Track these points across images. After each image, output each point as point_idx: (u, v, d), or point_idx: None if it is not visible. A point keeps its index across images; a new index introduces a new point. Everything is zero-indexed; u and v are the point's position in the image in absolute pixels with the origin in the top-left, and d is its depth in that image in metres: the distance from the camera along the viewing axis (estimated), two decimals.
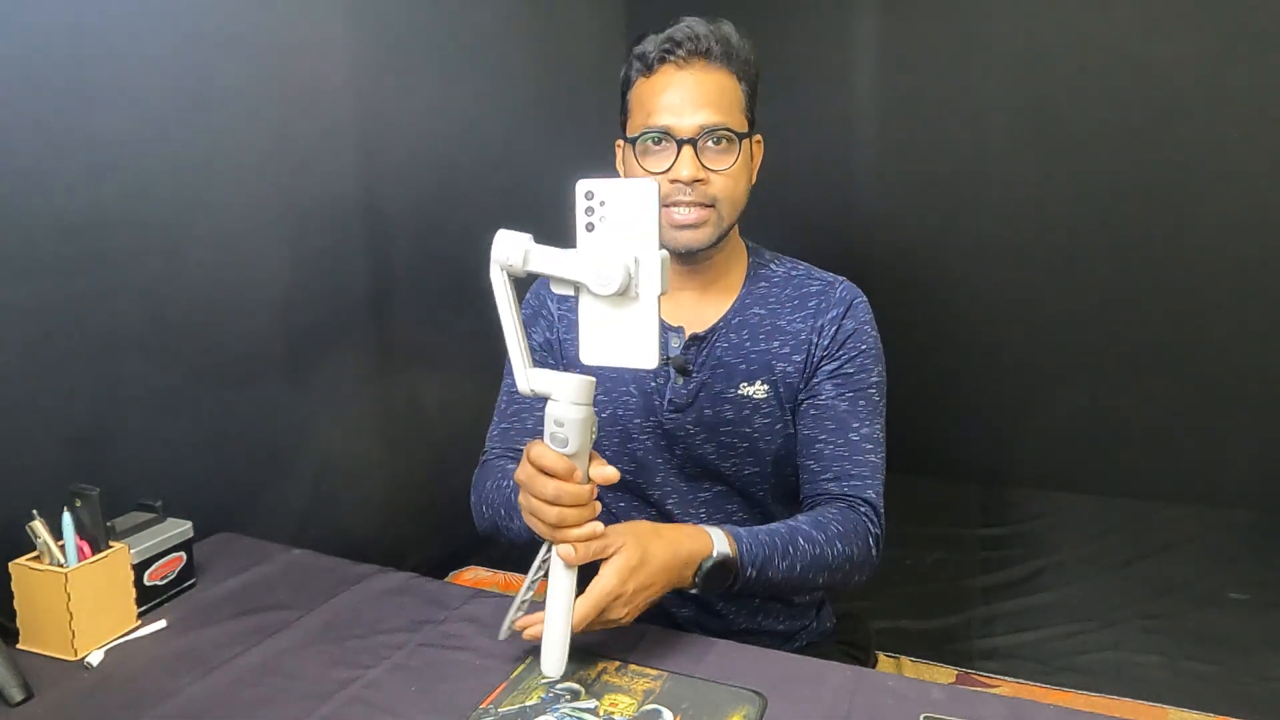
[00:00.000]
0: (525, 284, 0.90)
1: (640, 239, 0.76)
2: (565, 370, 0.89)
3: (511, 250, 0.79)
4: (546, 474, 0.80)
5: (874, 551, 1.03)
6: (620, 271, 0.74)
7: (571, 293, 0.79)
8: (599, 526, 0.83)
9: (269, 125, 1.46)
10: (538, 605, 0.86)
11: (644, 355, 0.78)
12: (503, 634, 0.90)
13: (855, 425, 1.06)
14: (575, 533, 0.82)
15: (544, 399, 0.80)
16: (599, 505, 0.83)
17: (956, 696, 0.84)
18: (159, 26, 1.26)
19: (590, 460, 0.83)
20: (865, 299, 1.12)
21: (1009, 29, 2.48)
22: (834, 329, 1.08)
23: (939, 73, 2.55)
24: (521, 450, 0.89)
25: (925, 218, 2.65)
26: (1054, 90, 2.45)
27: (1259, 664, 1.74)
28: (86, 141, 1.17)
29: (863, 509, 1.04)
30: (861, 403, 1.07)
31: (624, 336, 0.78)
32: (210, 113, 1.35)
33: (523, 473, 0.83)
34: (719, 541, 0.92)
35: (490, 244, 0.81)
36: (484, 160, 2.04)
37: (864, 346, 1.08)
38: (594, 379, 0.80)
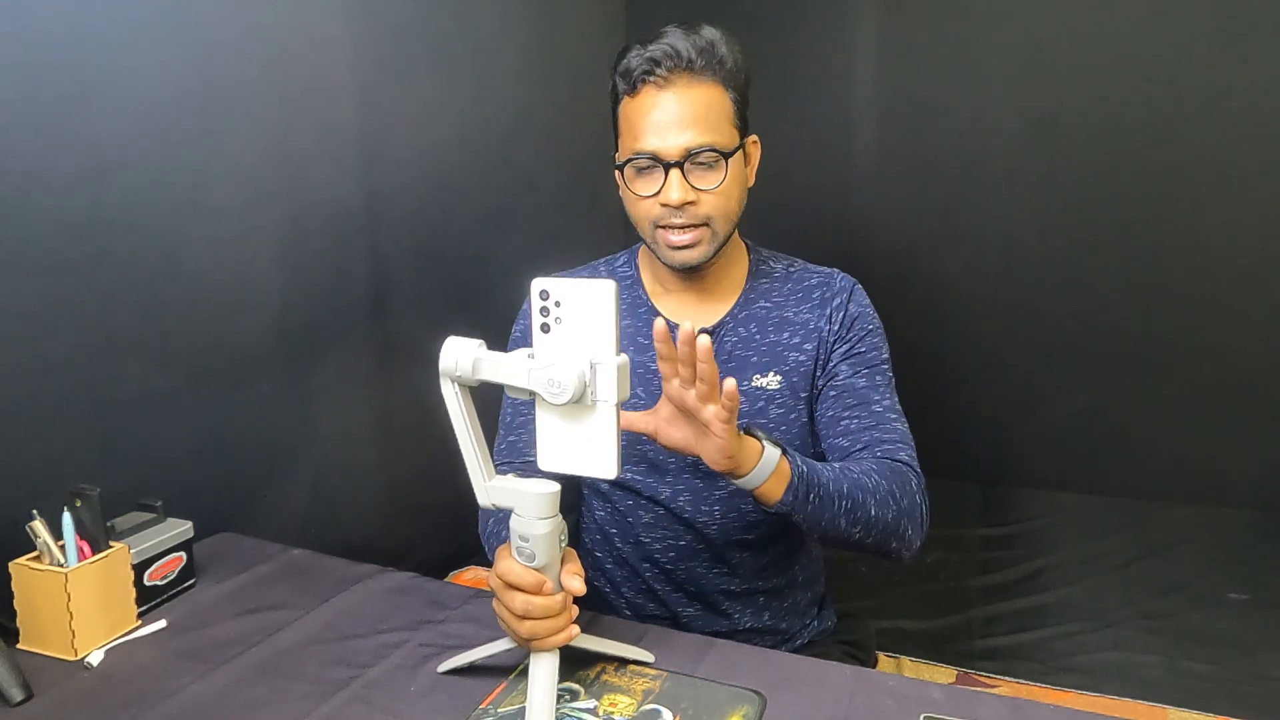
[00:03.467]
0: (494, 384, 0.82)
1: (599, 342, 0.72)
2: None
3: (460, 358, 0.75)
4: (515, 588, 0.80)
5: (920, 502, 1.01)
6: (574, 380, 0.71)
7: (528, 397, 0.75)
8: (575, 630, 0.82)
9: (269, 125, 1.46)
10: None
11: (603, 465, 0.75)
12: (442, 667, 0.90)
13: (876, 399, 1.07)
14: (551, 640, 0.80)
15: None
16: (575, 609, 0.82)
17: (956, 696, 0.84)
18: (159, 27, 1.26)
19: (564, 563, 0.81)
20: (860, 286, 1.14)
21: (1009, 29, 2.48)
22: (840, 314, 1.10)
23: (939, 73, 2.55)
24: (530, 463, 0.89)
25: (925, 218, 2.65)
26: (1054, 90, 2.45)
27: (1259, 664, 1.74)
28: (86, 141, 1.17)
29: (899, 464, 1.02)
30: (878, 378, 1.09)
31: (582, 444, 0.75)
32: (210, 113, 1.35)
33: (493, 581, 0.83)
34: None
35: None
36: (484, 161, 2.04)
37: (870, 327, 1.11)
38: (558, 488, 0.77)
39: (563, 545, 0.80)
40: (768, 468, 0.87)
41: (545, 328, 0.74)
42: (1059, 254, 2.53)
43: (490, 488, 0.78)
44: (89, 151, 1.17)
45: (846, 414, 1.06)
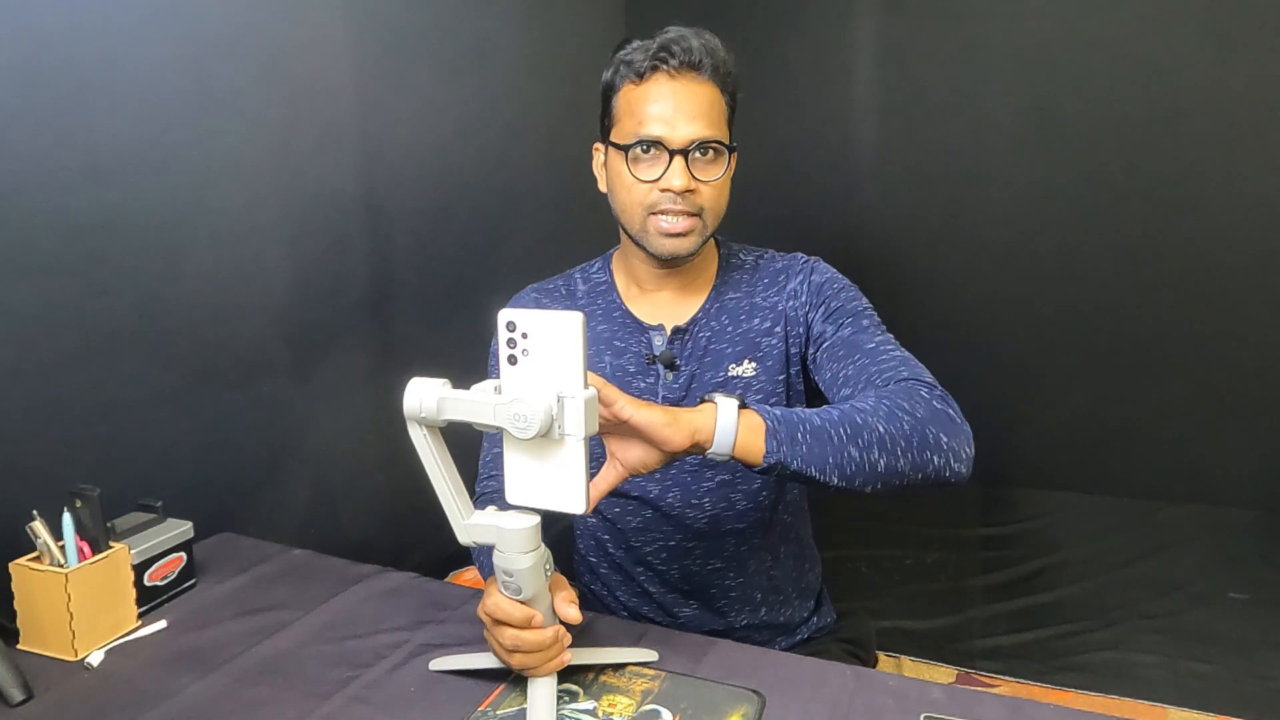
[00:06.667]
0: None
1: (567, 374, 0.70)
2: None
3: (424, 399, 0.73)
4: (504, 624, 0.80)
5: (941, 406, 0.90)
6: (539, 415, 0.69)
7: (496, 431, 0.73)
8: (568, 657, 0.82)
9: (269, 125, 1.46)
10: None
11: (573, 500, 0.73)
12: (434, 664, 0.90)
13: (865, 340, 1.02)
14: (545, 667, 0.81)
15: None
16: (569, 637, 0.82)
17: (956, 696, 0.84)
18: (159, 26, 1.26)
19: (557, 590, 0.80)
20: (821, 259, 1.14)
21: (1010, 28, 2.48)
22: (805, 286, 1.10)
23: (939, 73, 2.55)
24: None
25: (925, 217, 2.66)
26: (1054, 90, 2.45)
27: (1259, 664, 1.74)
28: (86, 141, 1.17)
29: (901, 383, 0.93)
30: (864, 321, 1.05)
31: (551, 479, 0.73)
32: (210, 113, 1.35)
33: (483, 614, 0.83)
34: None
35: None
36: (484, 160, 2.04)
37: (838, 286, 1.10)
38: (538, 520, 0.76)
39: (548, 574, 0.79)
40: (729, 421, 0.81)
41: (512, 359, 0.72)
42: (1059, 254, 2.53)
43: (469, 526, 0.77)
44: (89, 151, 1.17)
45: (842, 365, 1.01)
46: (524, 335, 0.71)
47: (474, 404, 0.73)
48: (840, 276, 1.12)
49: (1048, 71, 2.45)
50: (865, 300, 1.09)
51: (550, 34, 2.30)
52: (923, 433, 0.86)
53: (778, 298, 1.11)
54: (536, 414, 0.69)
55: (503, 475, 0.77)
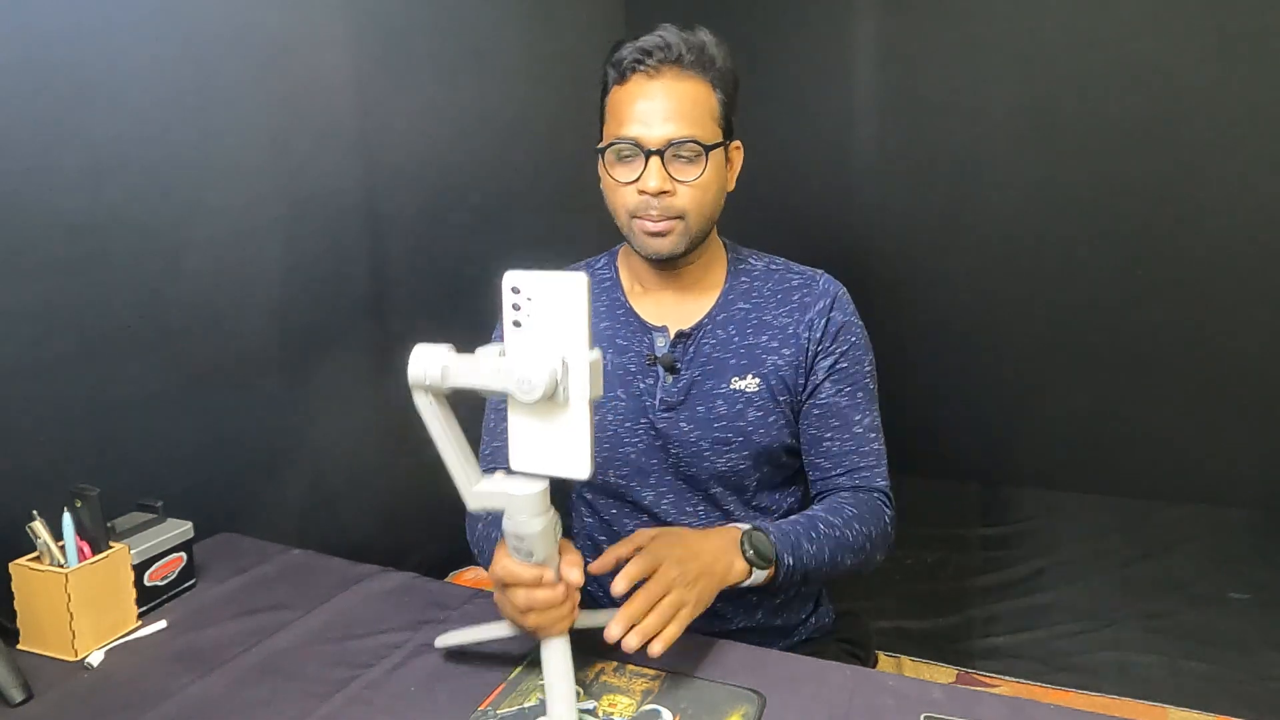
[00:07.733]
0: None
1: (571, 338, 0.70)
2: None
3: (429, 367, 0.73)
4: (515, 586, 0.80)
5: (890, 529, 1.09)
6: (544, 377, 0.69)
7: (501, 397, 0.73)
8: (577, 613, 0.83)
9: (269, 125, 1.46)
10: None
11: (577, 465, 0.73)
12: (439, 640, 0.91)
13: (857, 418, 1.09)
14: (558, 627, 0.81)
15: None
16: (578, 595, 0.82)
17: (956, 696, 0.84)
18: (159, 27, 1.26)
19: (562, 554, 0.81)
20: (845, 290, 1.13)
21: (1009, 28, 2.48)
22: (823, 322, 1.09)
23: (939, 72, 2.55)
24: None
25: (925, 217, 2.65)
26: (1054, 90, 2.45)
27: (1259, 664, 1.74)
28: (86, 141, 1.17)
29: (875, 494, 1.09)
30: (860, 394, 1.10)
31: (555, 443, 0.73)
32: (210, 113, 1.35)
33: (494, 578, 0.84)
34: (746, 529, 0.95)
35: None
36: (483, 160, 2.04)
37: (854, 339, 1.10)
38: (546, 484, 0.76)
39: (558, 534, 0.79)
40: (756, 580, 0.95)
41: (516, 323, 0.72)
42: (1059, 253, 2.53)
43: (478, 493, 0.77)
44: (89, 151, 1.17)
45: (829, 435, 1.09)
46: (528, 299, 0.71)
47: (479, 368, 0.73)
48: (858, 321, 1.12)
49: (1048, 71, 2.45)
50: (870, 360, 1.12)
51: (550, 34, 2.30)
52: (870, 560, 1.07)
53: (789, 319, 1.10)
54: (541, 377, 0.69)
55: (506, 441, 0.77)
